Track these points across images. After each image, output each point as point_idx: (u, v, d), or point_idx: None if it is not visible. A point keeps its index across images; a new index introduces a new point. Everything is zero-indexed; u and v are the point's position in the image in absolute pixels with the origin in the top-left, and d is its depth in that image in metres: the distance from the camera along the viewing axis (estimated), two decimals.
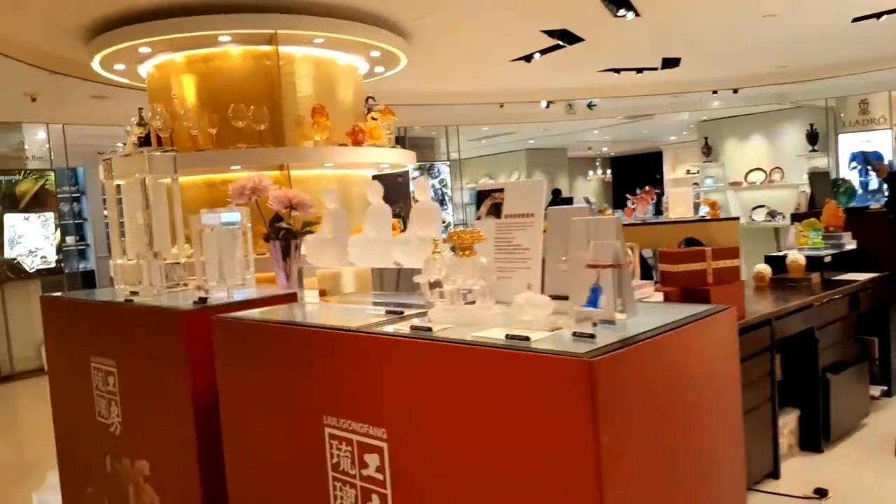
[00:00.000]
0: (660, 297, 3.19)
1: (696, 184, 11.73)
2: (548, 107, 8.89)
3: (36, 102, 6.88)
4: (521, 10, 5.07)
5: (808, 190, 6.10)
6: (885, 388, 4.65)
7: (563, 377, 1.21)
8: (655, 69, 7.18)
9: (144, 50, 4.51)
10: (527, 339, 1.34)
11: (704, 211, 6.49)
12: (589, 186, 17.34)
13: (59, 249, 8.00)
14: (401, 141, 6.78)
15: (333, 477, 1.63)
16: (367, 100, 4.97)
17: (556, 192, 13.04)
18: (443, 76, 7.19)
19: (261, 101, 4.23)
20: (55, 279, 7.86)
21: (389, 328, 1.60)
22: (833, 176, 8.52)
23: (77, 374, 2.67)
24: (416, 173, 9.89)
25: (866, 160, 8.00)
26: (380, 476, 1.52)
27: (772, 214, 10.45)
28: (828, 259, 4.60)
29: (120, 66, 4.92)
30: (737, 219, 6.42)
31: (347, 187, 4.55)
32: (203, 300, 2.25)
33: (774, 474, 3.55)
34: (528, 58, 6.39)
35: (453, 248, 1.69)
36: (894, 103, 9.64)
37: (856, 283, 4.40)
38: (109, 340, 2.52)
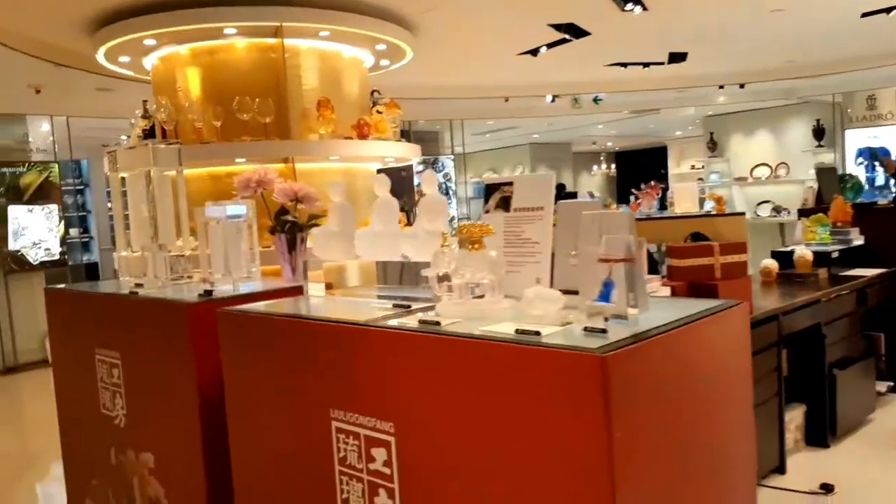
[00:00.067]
0: (666, 291, 3.18)
1: (700, 179, 11.70)
2: (553, 101, 8.85)
3: (40, 94, 6.87)
4: (528, 3, 5.04)
5: (815, 185, 6.06)
6: (892, 383, 4.63)
7: (575, 372, 1.20)
8: (662, 64, 7.13)
9: (149, 42, 4.49)
10: (537, 333, 1.33)
11: (709, 206, 6.46)
12: (593, 181, 17.29)
13: (63, 241, 8.01)
14: (405, 135, 6.75)
15: (340, 471, 1.62)
16: (372, 93, 4.95)
17: (560, 187, 13.00)
18: (448, 70, 7.16)
19: (266, 93, 4.20)
20: (59, 271, 7.86)
21: (397, 322, 1.59)
22: (839, 172, 8.48)
23: (81, 367, 2.67)
24: (420, 167, 9.86)
25: (873, 156, 7.96)
26: (387, 470, 1.51)
27: (777, 210, 10.41)
28: (835, 255, 4.57)
29: (125, 59, 4.90)
30: (742, 214, 6.39)
31: (352, 181, 4.53)
32: (208, 293, 2.24)
33: (780, 469, 3.54)
34: (534, 52, 6.36)
35: (461, 242, 1.67)
36: None
37: (863, 278, 4.38)
38: (114, 332, 2.51)
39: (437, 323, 1.50)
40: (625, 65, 7.23)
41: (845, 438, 3.97)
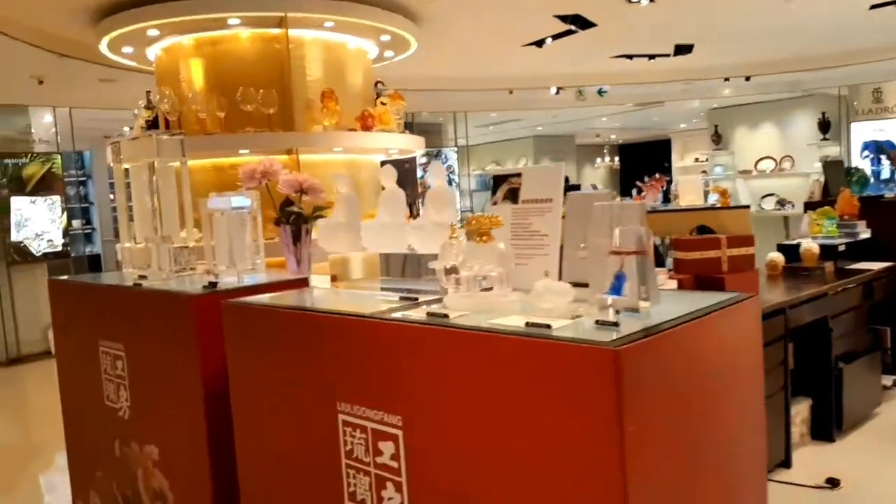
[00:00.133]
0: (673, 284, 3.16)
1: (704, 172, 11.66)
2: (557, 93, 8.81)
3: (43, 85, 6.85)
4: None
5: (821, 178, 6.03)
6: None
7: (587, 366, 1.18)
8: (668, 56, 7.09)
9: (153, 32, 4.47)
10: (548, 326, 1.31)
11: (714, 199, 6.44)
12: (597, 174, 17.25)
13: (66, 233, 8.00)
14: (408, 126, 6.72)
15: (347, 464, 1.61)
16: (376, 84, 4.92)
17: (563, 180, 12.96)
18: (453, 61, 7.12)
19: (270, 84, 4.18)
20: (61, 263, 7.86)
21: (406, 315, 1.57)
22: (845, 165, 8.43)
23: (85, 358, 2.66)
24: (424, 159, 9.83)
25: (879, 149, 7.92)
26: (395, 464, 1.50)
27: (781, 203, 10.38)
28: (842, 248, 4.55)
29: (128, 49, 4.88)
30: (748, 207, 6.36)
31: (356, 172, 4.52)
32: (213, 284, 2.23)
33: (786, 463, 3.52)
34: (539, 43, 6.32)
35: (469, 234, 1.65)
36: None
37: (869, 272, 4.36)
38: (118, 324, 2.50)
39: (446, 316, 1.48)
40: (630, 57, 7.19)
41: (851, 432, 3.96)
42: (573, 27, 5.76)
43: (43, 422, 5.37)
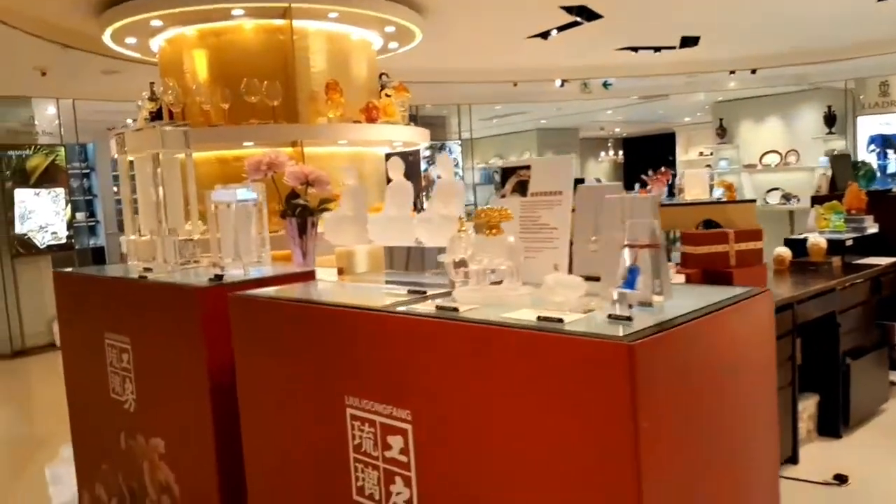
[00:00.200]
0: (681, 278, 3.14)
1: (708, 166, 11.60)
2: (562, 86, 8.77)
3: (46, 77, 6.83)
4: None
5: (828, 172, 5.99)
6: None
7: (601, 361, 1.16)
8: (674, 48, 7.04)
9: (156, 23, 4.44)
10: (560, 320, 1.29)
11: (719, 193, 6.41)
12: (600, 167, 17.19)
13: (70, 225, 7.99)
14: (412, 119, 6.69)
15: (355, 458, 1.59)
16: (380, 76, 4.89)
17: None
18: (457, 53, 7.08)
19: (274, 76, 4.16)
20: (65, 255, 7.86)
21: (414, 308, 1.55)
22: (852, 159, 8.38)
23: (91, 351, 2.65)
24: (428, 152, 9.80)
25: (886, 143, 7.87)
26: (403, 458, 1.48)
27: (786, 197, 10.32)
28: (849, 243, 4.52)
29: (131, 40, 4.86)
30: (753, 201, 6.33)
31: (359, 165, 4.49)
32: (219, 277, 2.21)
33: (793, 459, 3.51)
34: (544, 35, 6.28)
35: (478, 227, 1.63)
36: None
37: (877, 267, 4.33)
38: (123, 317, 2.49)
39: (456, 309, 1.46)
40: (636, 49, 7.14)
41: (858, 429, 3.94)
42: (579, 19, 5.72)
43: (48, 414, 5.37)
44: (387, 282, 1.98)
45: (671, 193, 6.61)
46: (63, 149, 8.01)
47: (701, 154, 13.56)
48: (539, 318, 1.32)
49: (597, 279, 1.47)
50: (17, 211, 7.52)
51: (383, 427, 1.51)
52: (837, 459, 3.55)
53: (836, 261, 4.30)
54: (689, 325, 1.28)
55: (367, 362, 1.55)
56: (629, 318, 1.26)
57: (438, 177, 2.07)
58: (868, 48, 7.72)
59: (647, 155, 14.51)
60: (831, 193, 5.35)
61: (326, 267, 2.31)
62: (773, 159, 10.68)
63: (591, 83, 8.98)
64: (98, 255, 9.31)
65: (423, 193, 8.29)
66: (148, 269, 2.55)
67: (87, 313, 2.76)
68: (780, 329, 3.39)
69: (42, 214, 7.71)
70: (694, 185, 6.14)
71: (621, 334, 1.17)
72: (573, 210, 1.77)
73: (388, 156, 4.91)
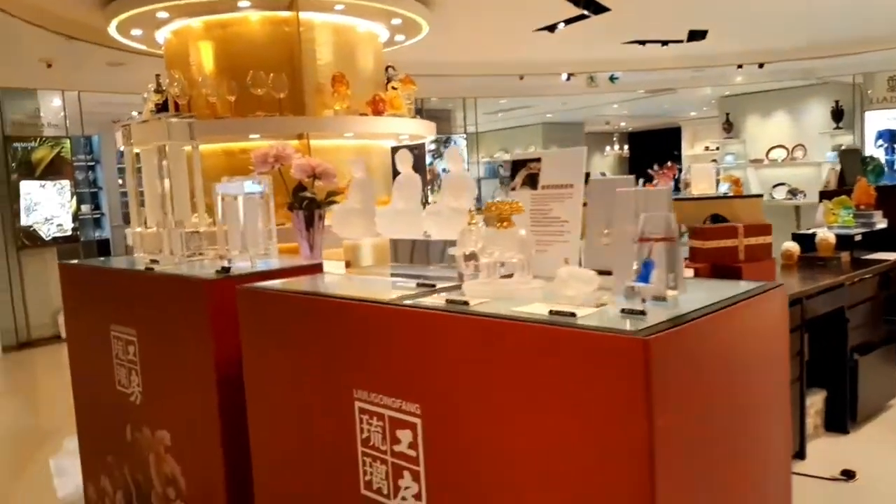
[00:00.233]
0: (689, 273, 3.12)
1: (714, 160, 11.55)
2: (568, 79, 8.72)
3: (51, 69, 6.81)
4: None
5: (836, 167, 5.95)
6: None
7: (615, 355, 1.15)
8: (681, 41, 6.99)
9: (162, 15, 4.42)
10: (573, 315, 1.27)
11: (725, 188, 6.38)
12: (605, 162, 17.13)
13: (75, 217, 8.00)
14: (418, 113, 6.67)
15: (363, 452, 1.58)
16: (386, 69, 4.87)
17: None
18: (464, 46, 7.05)
19: (280, 68, 4.13)
20: (71, 247, 7.87)
21: (424, 301, 1.54)
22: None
23: (96, 343, 2.64)
24: (433, 146, 9.77)
25: (894, 137, 7.82)
26: (412, 452, 1.47)
27: (793, 192, 10.28)
28: (858, 238, 4.49)
29: (137, 32, 4.84)
30: (760, 196, 6.29)
31: (366, 158, 4.45)
32: (226, 269, 2.20)
33: (800, 455, 3.49)
34: (551, 28, 6.24)
35: (489, 220, 1.62)
36: None
37: (886, 262, 4.31)
38: (130, 309, 2.48)
39: (466, 303, 1.45)
40: (643, 42, 7.09)
41: (865, 424, 3.92)
42: (586, 12, 5.67)
43: (53, 406, 5.38)
44: (394, 275, 1.97)
45: (677, 188, 6.57)
46: (68, 141, 8.00)
47: (707, 149, 13.50)
48: (551, 311, 1.31)
49: (608, 273, 1.45)
50: (23, 203, 7.53)
51: (392, 421, 1.50)
52: (845, 455, 3.53)
53: (845, 256, 4.28)
54: (703, 319, 1.27)
55: (376, 356, 1.54)
56: (643, 313, 1.25)
57: (444, 170, 2.05)
58: (876, 42, 7.66)
59: (653, 149, 14.46)
60: (840, 188, 5.32)
61: (333, 260, 2.30)
62: (779, 154, 10.63)
63: (597, 77, 8.93)
64: (103, 248, 9.33)
65: (429, 187, 8.27)
66: (154, 262, 2.54)
67: (92, 305, 2.75)
68: (789, 324, 3.37)
69: (47, 206, 7.72)
70: (700, 179, 6.10)
71: (635, 329, 1.15)
72: (584, 204, 1.76)
73: (394, 149, 4.88)
